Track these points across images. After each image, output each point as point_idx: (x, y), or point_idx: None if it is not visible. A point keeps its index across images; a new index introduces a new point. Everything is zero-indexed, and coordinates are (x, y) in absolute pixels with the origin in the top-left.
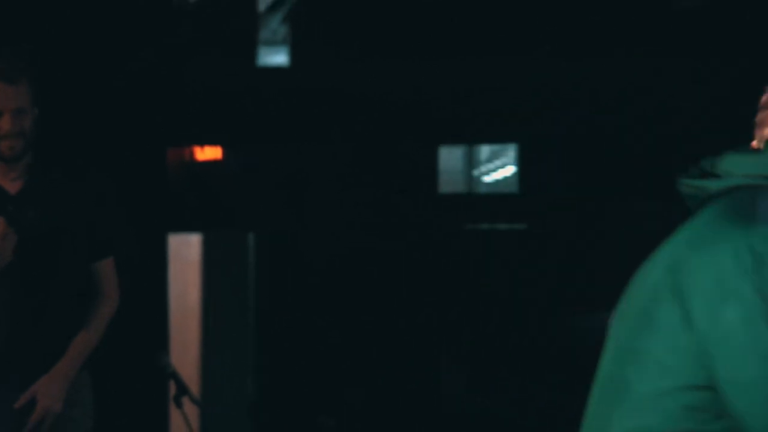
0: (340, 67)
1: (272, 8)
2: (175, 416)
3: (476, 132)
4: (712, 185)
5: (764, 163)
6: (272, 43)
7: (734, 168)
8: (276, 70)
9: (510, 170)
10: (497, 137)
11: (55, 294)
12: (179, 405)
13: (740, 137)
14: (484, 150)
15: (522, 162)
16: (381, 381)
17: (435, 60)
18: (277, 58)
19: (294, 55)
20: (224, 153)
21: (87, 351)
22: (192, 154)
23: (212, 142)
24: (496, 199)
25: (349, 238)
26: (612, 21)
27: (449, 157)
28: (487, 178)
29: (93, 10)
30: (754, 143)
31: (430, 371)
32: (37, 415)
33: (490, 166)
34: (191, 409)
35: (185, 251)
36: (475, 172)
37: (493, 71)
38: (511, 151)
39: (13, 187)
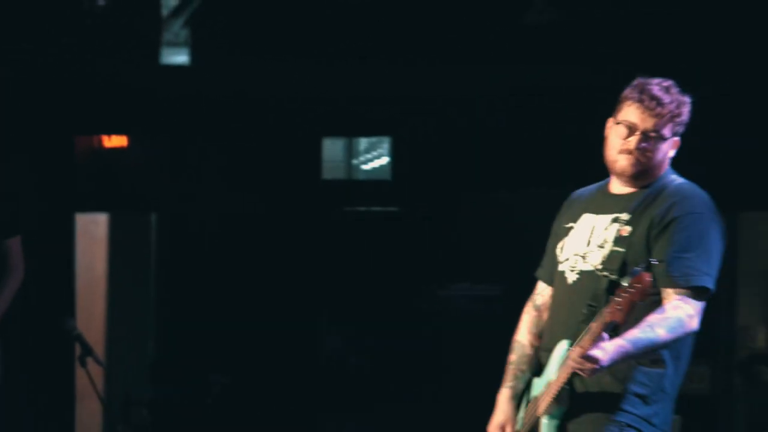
0: (235, 67)
1: (175, 12)
2: (81, 375)
3: (355, 126)
4: None
5: None
6: (174, 44)
7: None
8: (177, 68)
9: (385, 160)
10: (373, 131)
11: None
12: (83, 364)
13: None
14: (363, 142)
15: (395, 153)
16: (268, 343)
17: (321, 62)
18: (178, 58)
19: (194, 56)
20: (130, 142)
21: None
22: (101, 142)
23: (118, 132)
24: (372, 184)
25: (241, 218)
26: (470, 31)
27: (332, 147)
28: (366, 167)
29: (9, 8)
30: None
31: (312, 335)
32: None
33: (368, 156)
34: (96, 369)
35: (93, 229)
36: (355, 162)
37: (372, 73)
38: (386, 144)
39: None
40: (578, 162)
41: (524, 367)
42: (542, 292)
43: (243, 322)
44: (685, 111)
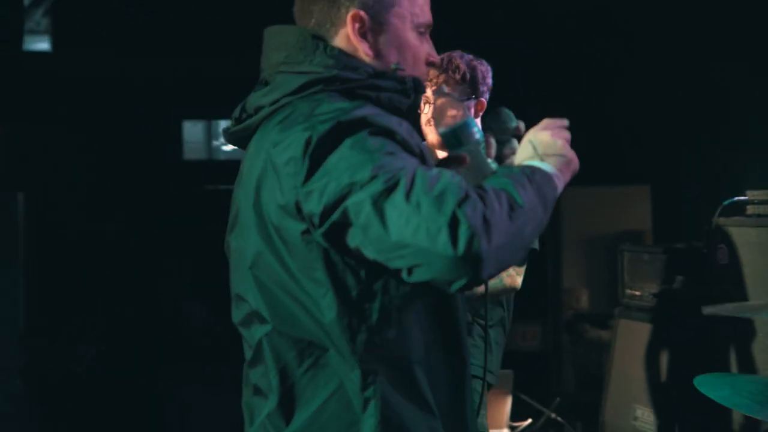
0: (95, 56)
1: (35, 3)
2: None
3: (213, 110)
4: (254, 120)
5: (278, 90)
6: (36, 32)
7: (261, 101)
8: (38, 55)
9: None
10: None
11: None
12: None
13: None
14: (223, 125)
15: None
16: (134, 314)
17: (180, 55)
18: (40, 45)
19: (54, 44)
20: None
21: None
22: None
23: None
24: (233, 164)
25: (107, 196)
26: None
27: (193, 130)
28: (226, 148)
29: None
30: None
31: (175, 306)
32: None
33: None
34: None
35: None
36: (216, 143)
37: (225, 65)
38: None
39: None
40: None
41: None
42: None
43: (111, 295)
44: None
